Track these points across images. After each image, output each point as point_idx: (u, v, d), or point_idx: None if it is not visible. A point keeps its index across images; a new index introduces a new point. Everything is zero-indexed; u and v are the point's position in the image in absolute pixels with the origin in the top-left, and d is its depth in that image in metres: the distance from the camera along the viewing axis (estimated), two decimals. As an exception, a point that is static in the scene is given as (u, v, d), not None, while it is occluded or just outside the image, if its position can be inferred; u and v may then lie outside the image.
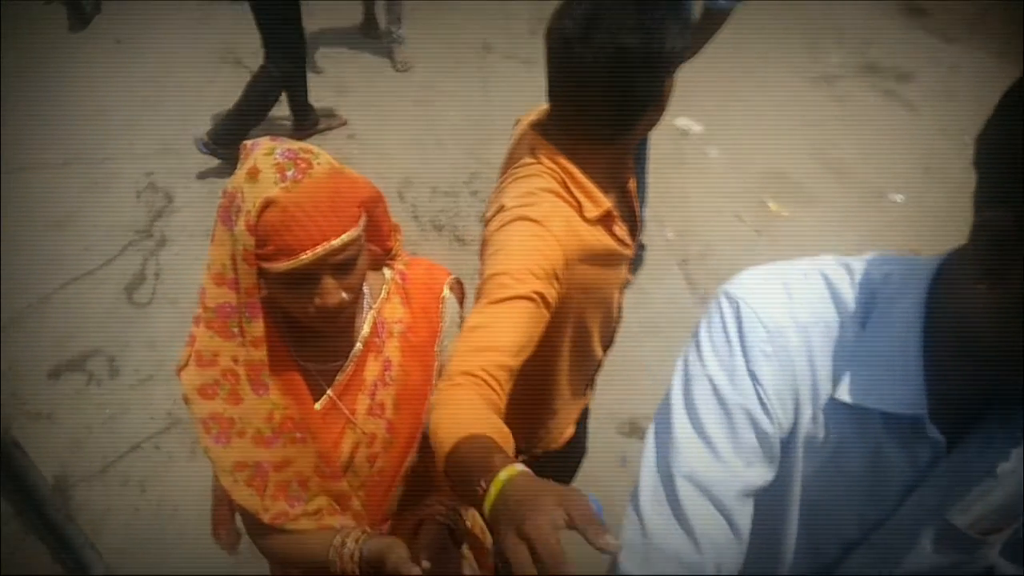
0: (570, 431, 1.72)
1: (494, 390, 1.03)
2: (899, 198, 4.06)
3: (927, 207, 4.00)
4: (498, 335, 1.08)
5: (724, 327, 0.84)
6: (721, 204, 3.95)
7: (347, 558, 1.09)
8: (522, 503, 0.72)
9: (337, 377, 1.18)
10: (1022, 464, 0.78)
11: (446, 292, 1.27)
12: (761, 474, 0.83)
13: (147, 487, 2.54)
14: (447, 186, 3.95)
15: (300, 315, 1.06)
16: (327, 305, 1.03)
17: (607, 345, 1.64)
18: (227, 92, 4.47)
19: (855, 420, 0.81)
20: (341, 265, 1.02)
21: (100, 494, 2.53)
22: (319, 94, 4.18)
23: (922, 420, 0.78)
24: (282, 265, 0.98)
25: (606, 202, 1.27)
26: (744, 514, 0.82)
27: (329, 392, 1.17)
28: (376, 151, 4.15)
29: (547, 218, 1.19)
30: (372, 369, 1.19)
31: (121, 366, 2.95)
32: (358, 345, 1.19)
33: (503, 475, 0.78)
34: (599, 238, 1.29)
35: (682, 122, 4.44)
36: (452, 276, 1.30)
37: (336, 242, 0.99)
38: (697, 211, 3.86)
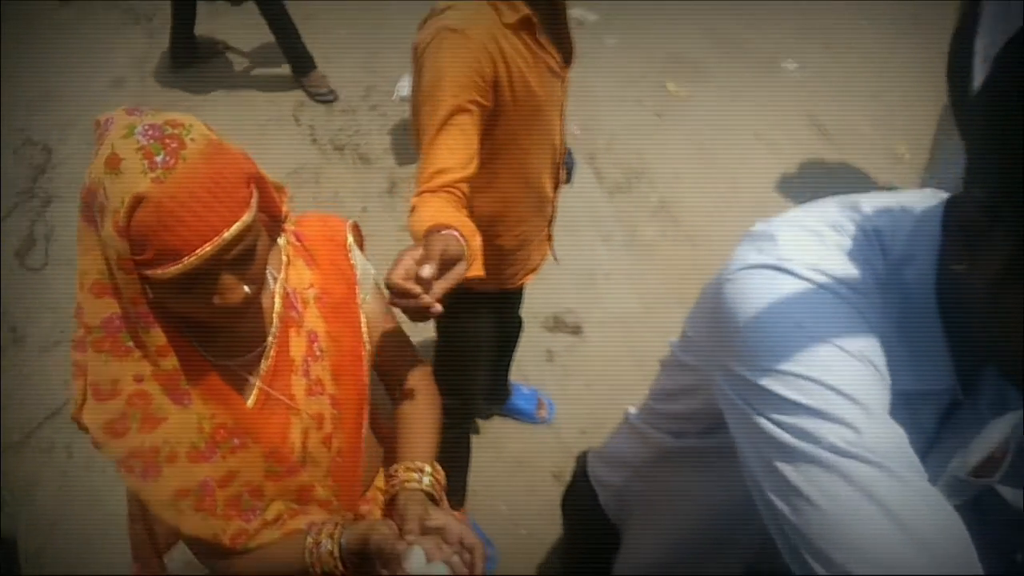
0: (530, 278, 1.86)
1: (456, 196, 1.29)
2: (791, 65, 4.12)
3: (818, 71, 4.10)
4: (446, 157, 1.30)
5: (808, 293, 0.71)
6: (622, 92, 3.95)
7: (326, 556, 0.97)
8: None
9: (261, 366, 1.04)
10: None
11: (350, 239, 1.17)
12: None
13: (73, 451, 2.49)
14: (343, 103, 3.81)
15: (199, 317, 0.93)
16: (229, 304, 0.89)
17: (555, 182, 1.71)
18: (103, 34, 4.18)
19: None
20: (239, 258, 0.88)
21: (27, 463, 2.47)
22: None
23: (954, 393, 0.72)
24: (167, 271, 0.82)
25: (524, 8, 1.39)
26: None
27: (258, 384, 1.04)
28: (263, 73, 3.96)
29: (467, 25, 1.33)
30: (298, 346, 1.07)
31: (25, 333, 2.84)
32: (275, 324, 1.05)
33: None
34: (519, 46, 1.41)
35: (577, 12, 4.35)
36: (350, 222, 1.19)
37: (228, 234, 0.84)
38: (599, 103, 3.84)
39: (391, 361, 1.22)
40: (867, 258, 0.73)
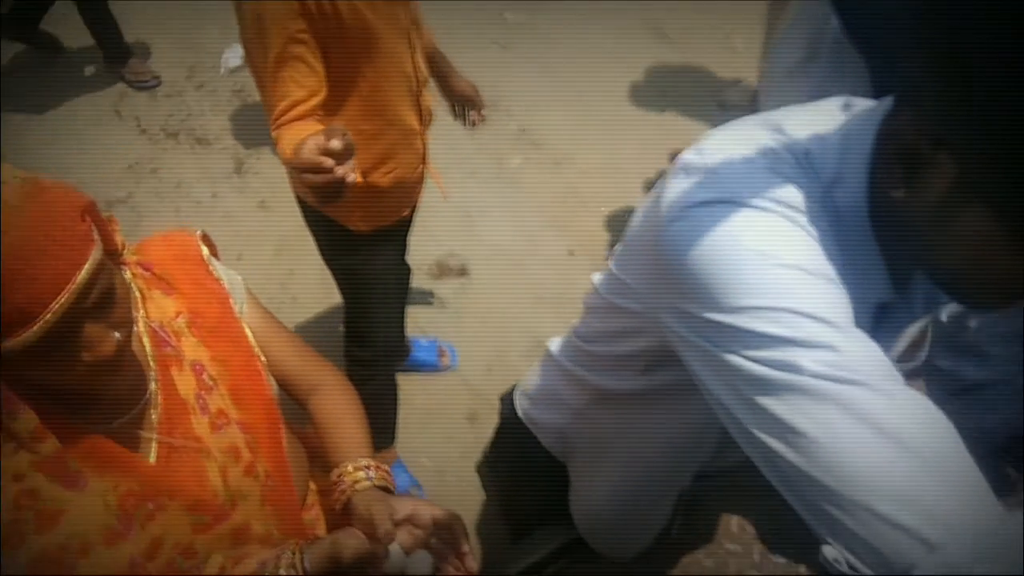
0: (407, 212, 1.82)
1: (315, 121, 1.31)
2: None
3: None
4: (293, 90, 1.31)
5: (763, 221, 0.69)
6: (461, 27, 3.85)
7: None
8: None
9: (152, 416, 0.93)
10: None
11: (205, 252, 1.06)
12: None
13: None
14: (167, 87, 3.53)
15: (69, 383, 0.80)
16: (101, 357, 0.78)
17: (419, 114, 1.64)
18: None
19: None
20: (99, 302, 0.76)
21: None
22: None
23: (894, 304, 0.73)
24: (21, 338, 0.70)
25: None
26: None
27: (155, 437, 0.93)
28: (72, 65, 3.60)
29: None
30: (185, 383, 0.96)
31: None
32: (152, 367, 0.94)
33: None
34: None
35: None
36: (198, 232, 1.08)
37: (81, 277, 0.73)
38: (440, 41, 3.74)
39: (290, 367, 1.13)
40: (802, 182, 0.72)
